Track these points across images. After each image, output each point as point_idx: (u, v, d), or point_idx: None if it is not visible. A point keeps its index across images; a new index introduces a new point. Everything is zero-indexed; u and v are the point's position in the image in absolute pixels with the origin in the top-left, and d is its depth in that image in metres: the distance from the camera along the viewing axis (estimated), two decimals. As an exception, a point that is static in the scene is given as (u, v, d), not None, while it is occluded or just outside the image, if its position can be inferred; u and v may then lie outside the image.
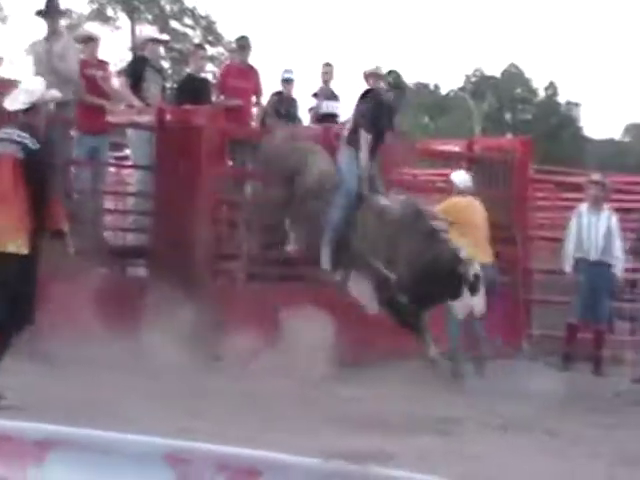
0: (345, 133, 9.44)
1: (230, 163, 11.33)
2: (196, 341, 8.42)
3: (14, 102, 6.75)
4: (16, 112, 6.72)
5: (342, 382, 8.19)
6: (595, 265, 10.29)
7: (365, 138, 9.23)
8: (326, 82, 12.51)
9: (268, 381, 7.93)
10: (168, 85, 12.79)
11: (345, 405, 7.44)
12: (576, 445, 6.72)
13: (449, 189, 10.68)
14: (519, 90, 56.03)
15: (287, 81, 12.07)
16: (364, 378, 8.40)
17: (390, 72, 9.79)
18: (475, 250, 9.53)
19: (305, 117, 12.56)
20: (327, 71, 12.60)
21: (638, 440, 6.97)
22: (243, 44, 11.92)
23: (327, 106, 12.33)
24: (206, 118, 10.43)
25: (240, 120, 11.38)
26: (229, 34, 41.40)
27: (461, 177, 10.50)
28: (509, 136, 16.22)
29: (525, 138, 13.97)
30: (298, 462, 1.24)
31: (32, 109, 6.67)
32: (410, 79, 56.28)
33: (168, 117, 10.43)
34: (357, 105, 9.53)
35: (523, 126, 42.47)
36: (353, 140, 9.28)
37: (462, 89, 53.73)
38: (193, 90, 11.27)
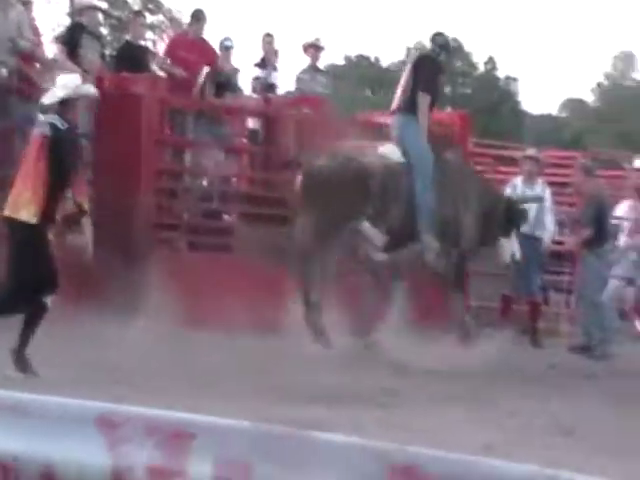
0: (399, 101, 9.20)
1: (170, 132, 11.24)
2: (136, 309, 8.36)
3: (51, 97, 7.27)
4: (52, 106, 7.20)
5: (282, 352, 8.19)
6: (527, 238, 10.40)
7: (427, 102, 9.05)
8: (267, 53, 12.44)
9: (206, 348, 7.92)
10: (107, 52, 12.61)
11: (281, 375, 7.43)
12: (512, 416, 6.79)
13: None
14: (459, 64, 56.21)
15: (227, 48, 11.96)
16: (292, 345, 8.41)
17: (439, 34, 9.52)
18: None
19: (246, 86, 12.49)
20: (269, 42, 12.52)
21: (573, 411, 7.07)
22: (198, 16, 11.78)
23: (271, 76, 12.30)
24: (145, 86, 10.32)
25: (186, 90, 11.27)
26: (169, 2, 40.89)
27: (389, 149, 10.60)
28: (449, 110, 16.22)
29: (464, 112, 14.04)
30: (231, 425, 1.23)
31: (67, 102, 7.20)
32: (350, 51, 56.06)
33: (107, 85, 10.30)
34: (415, 69, 9.19)
35: (463, 100, 42.62)
36: (411, 106, 9.05)
37: (403, 62, 53.77)
38: (132, 58, 11.13)
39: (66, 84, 7.34)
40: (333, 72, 36.62)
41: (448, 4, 61.96)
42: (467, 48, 55.41)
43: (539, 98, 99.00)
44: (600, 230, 10.20)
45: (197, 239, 10.83)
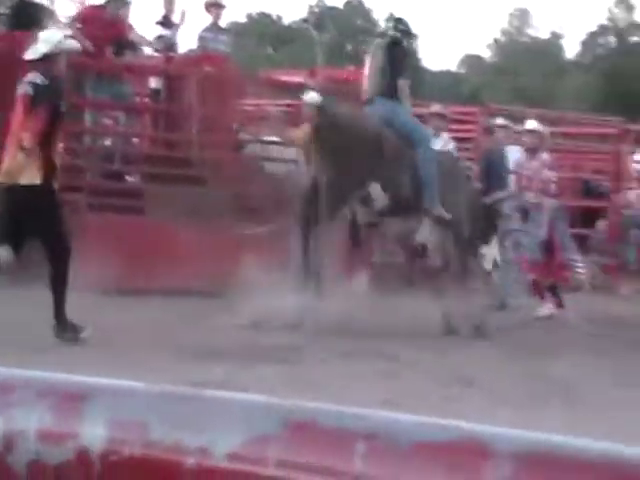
0: (378, 87, 9.05)
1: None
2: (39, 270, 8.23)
3: (33, 53, 7.20)
4: (35, 61, 7.16)
5: (176, 311, 8.19)
6: None
7: (407, 86, 9.09)
8: (169, 11, 12.27)
9: (111, 311, 7.86)
10: (0, 10, 12.28)
11: (186, 336, 7.43)
12: (413, 369, 6.91)
13: (292, 119, 10.74)
14: (360, 21, 56.20)
15: (124, 4, 11.72)
16: (199, 307, 8.41)
17: (399, 20, 9.53)
18: None
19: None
20: (170, 0, 12.35)
21: (473, 363, 7.22)
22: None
23: (174, 35, 12.17)
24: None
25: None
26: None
27: (314, 98, 10.75)
28: (351, 67, 16.25)
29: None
30: (125, 386, 1.23)
31: (49, 58, 7.14)
32: (252, 9, 55.61)
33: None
34: (389, 55, 9.11)
35: (364, 57, 42.68)
36: (394, 91, 8.99)
37: (305, 20, 53.56)
38: (27, 16, 10.85)
39: (48, 39, 7.28)
40: (235, 30, 36.30)
41: (349, -39, 61.83)
42: (368, 5, 55.42)
43: (438, 55, 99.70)
44: (489, 183, 10.35)
45: (100, 201, 10.68)
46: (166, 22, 12.17)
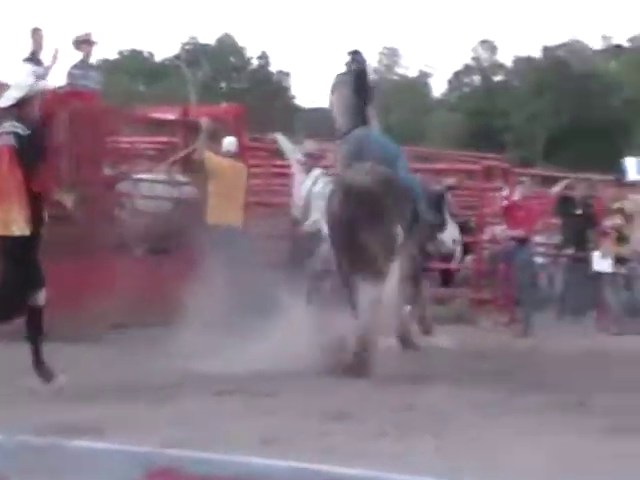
0: (353, 120, 9.10)
1: None
2: None
3: (7, 99, 7.23)
4: (10, 108, 7.18)
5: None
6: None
7: (374, 113, 9.27)
8: (37, 48, 12.10)
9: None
10: None
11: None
12: (289, 405, 6.91)
13: (163, 156, 10.74)
14: (233, 59, 56.41)
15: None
16: (77, 349, 8.26)
17: (356, 52, 9.53)
18: (229, 211, 10.66)
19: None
20: (38, 36, 12.17)
21: (347, 396, 7.25)
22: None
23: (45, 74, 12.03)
24: None
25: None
26: None
27: (229, 141, 11.24)
28: (224, 104, 16.28)
29: (238, 106, 14.12)
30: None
31: (24, 102, 7.15)
32: (123, 46, 55.27)
33: None
34: (355, 87, 9.20)
35: (238, 95, 42.88)
36: (366, 120, 9.12)
37: (177, 57, 53.47)
38: None
39: (19, 84, 7.35)
40: (106, 67, 35.96)
41: (220, 0, 62.23)
42: (240, 43, 55.66)
43: (311, 91, 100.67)
44: None
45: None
46: (34, 59, 11.97)
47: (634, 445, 6.08)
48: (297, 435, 5.84)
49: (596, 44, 59.52)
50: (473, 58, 61.64)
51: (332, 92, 9.46)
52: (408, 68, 63.72)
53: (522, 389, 7.66)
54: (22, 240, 6.97)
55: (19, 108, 7.15)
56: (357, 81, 9.29)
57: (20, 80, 7.51)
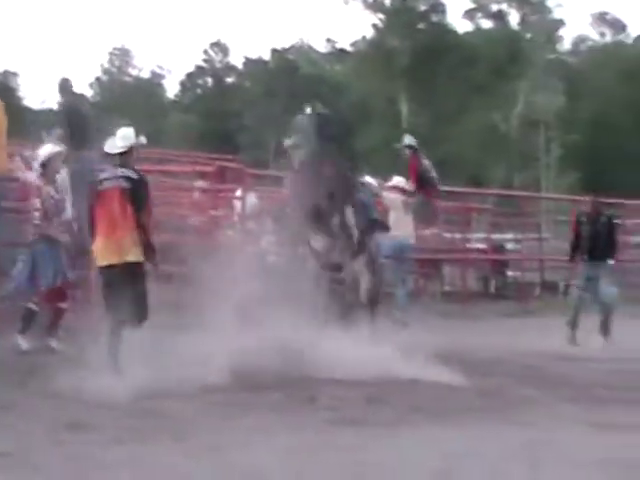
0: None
1: None
2: None
3: (113, 147, 8.57)
4: (114, 155, 8.53)
5: None
6: None
7: None
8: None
9: None
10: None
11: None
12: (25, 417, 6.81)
13: None
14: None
15: None
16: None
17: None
18: None
19: None
20: None
21: (81, 406, 7.20)
22: None
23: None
24: None
25: None
26: None
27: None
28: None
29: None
30: None
31: (127, 152, 8.52)
32: None
33: None
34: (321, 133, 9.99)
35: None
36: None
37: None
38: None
39: (125, 136, 8.59)
40: None
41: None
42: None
43: (41, 92, 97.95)
44: None
45: None
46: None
47: (352, 437, 6.47)
48: (34, 446, 5.79)
49: (322, 47, 61.47)
50: (205, 60, 62.02)
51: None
52: (141, 69, 63.26)
53: (262, 388, 7.85)
54: (135, 266, 8.26)
55: (124, 156, 8.48)
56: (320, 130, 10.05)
57: (127, 132, 8.65)
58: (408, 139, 14.08)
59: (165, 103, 62.10)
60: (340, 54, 60.75)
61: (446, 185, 19.05)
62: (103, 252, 8.34)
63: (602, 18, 56.34)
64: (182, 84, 63.03)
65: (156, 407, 7.18)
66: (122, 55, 62.66)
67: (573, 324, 11.70)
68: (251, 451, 5.99)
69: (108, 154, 8.63)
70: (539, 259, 19.20)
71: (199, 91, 62.69)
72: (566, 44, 55.61)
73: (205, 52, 62.64)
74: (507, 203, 23.01)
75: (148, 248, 8.37)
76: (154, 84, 62.79)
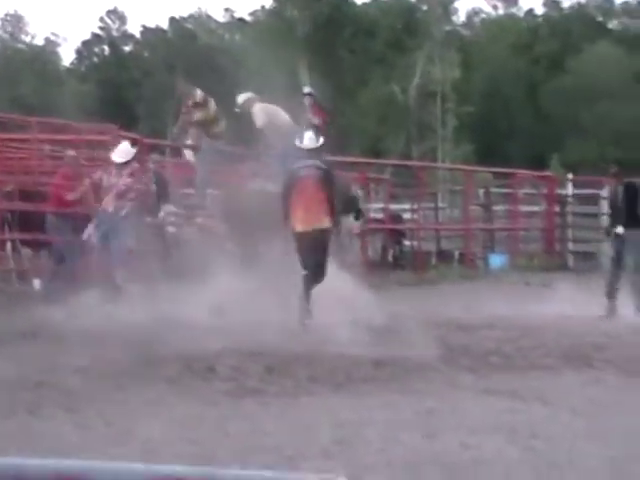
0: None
1: None
2: None
3: (310, 143, 10.41)
4: (306, 149, 10.39)
5: None
6: None
7: None
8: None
9: None
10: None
11: None
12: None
13: None
14: None
15: None
16: None
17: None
18: None
19: None
20: None
21: None
22: None
23: None
24: None
25: None
26: None
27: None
28: None
29: None
30: None
31: (321, 147, 10.47)
32: None
33: None
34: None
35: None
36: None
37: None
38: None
39: (313, 137, 10.44)
40: None
41: None
42: None
43: None
44: None
45: None
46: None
47: (250, 407, 6.48)
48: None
49: (220, 17, 60.88)
50: (101, 28, 60.91)
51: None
52: (35, 37, 61.76)
53: (158, 359, 7.78)
54: (327, 231, 9.99)
55: (318, 150, 10.33)
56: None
57: (311, 134, 10.51)
58: (307, 88, 14.54)
59: (60, 71, 60.81)
60: (239, 24, 60.29)
61: (345, 156, 19.17)
62: None
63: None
64: (78, 52, 61.81)
65: (49, 379, 7.06)
66: (15, 21, 61.08)
67: (610, 295, 11.60)
68: (145, 422, 5.94)
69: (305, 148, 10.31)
70: (435, 229, 19.44)
71: (96, 60, 61.56)
72: (461, 16, 56.37)
73: (101, 19, 61.49)
74: (405, 173, 23.19)
75: (333, 221, 10.17)
76: (48, 52, 61.38)
